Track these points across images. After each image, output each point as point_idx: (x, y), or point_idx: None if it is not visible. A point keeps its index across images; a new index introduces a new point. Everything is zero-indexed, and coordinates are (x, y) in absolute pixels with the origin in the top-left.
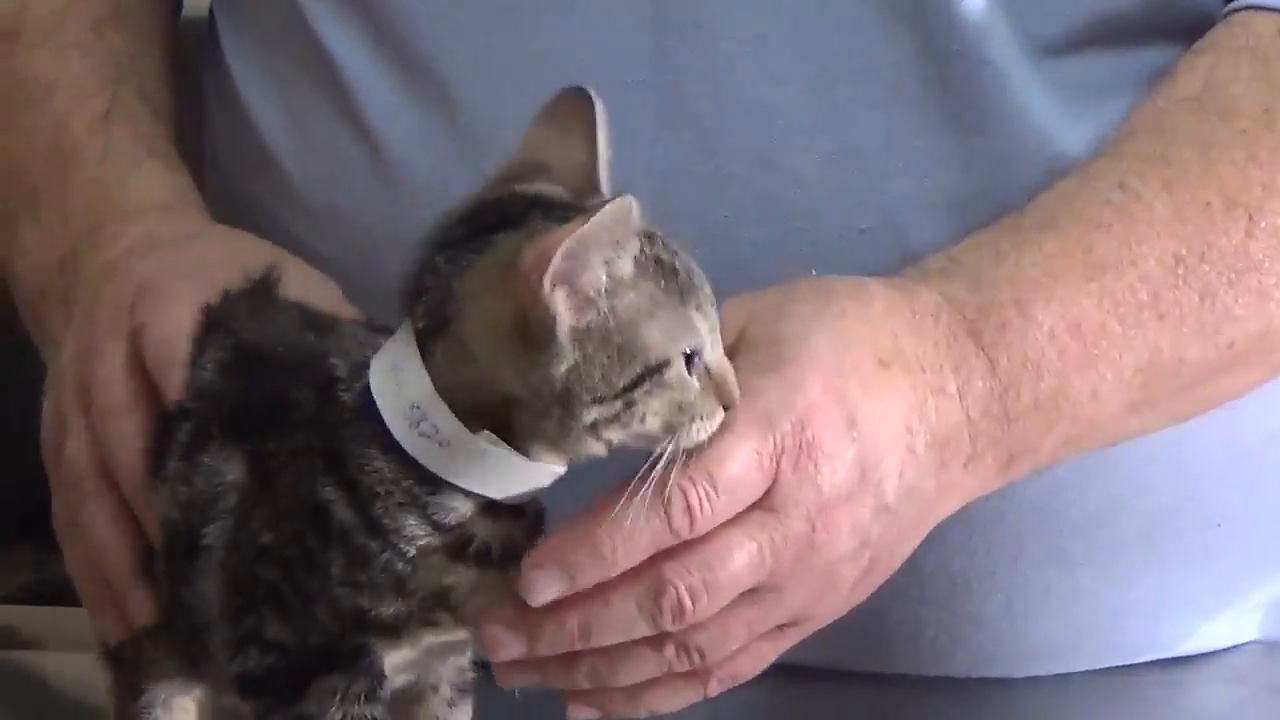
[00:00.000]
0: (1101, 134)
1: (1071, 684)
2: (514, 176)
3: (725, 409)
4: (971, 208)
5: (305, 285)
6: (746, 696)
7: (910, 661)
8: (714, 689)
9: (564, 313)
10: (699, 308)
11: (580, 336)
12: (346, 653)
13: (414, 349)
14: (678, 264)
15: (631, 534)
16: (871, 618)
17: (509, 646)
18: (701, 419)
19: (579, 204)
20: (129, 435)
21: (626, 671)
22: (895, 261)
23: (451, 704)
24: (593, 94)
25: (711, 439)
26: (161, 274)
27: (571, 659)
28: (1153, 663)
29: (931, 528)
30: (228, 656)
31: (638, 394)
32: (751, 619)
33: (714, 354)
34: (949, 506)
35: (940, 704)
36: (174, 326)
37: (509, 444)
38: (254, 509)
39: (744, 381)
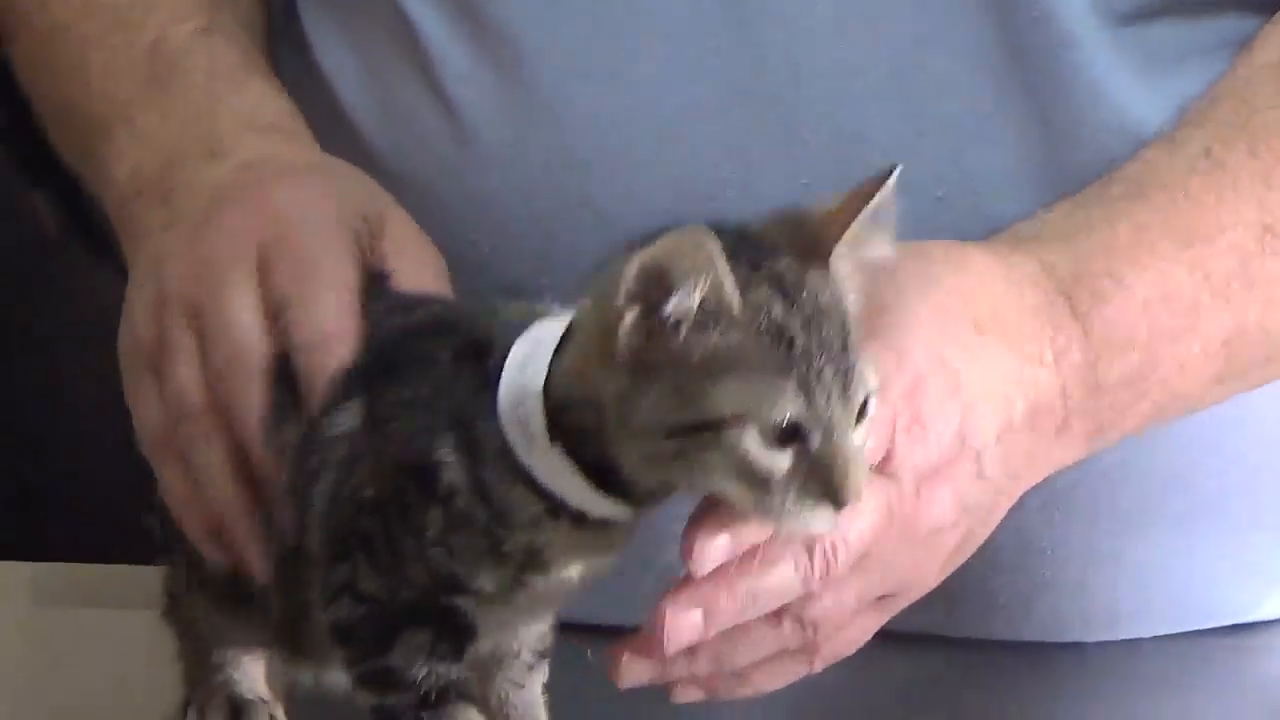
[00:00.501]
0: (1175, 104)
1: (1141, 649)
2: (773, 215)
3: (831, 504)
4: (1047, 176)
5: (411, 243)
6: None
7: (981, 626)
8: (819, 665)
9: (624, 333)
10: (805, 384)
11: (639, 362)
12: (436, 611)
13: (555, 338)
14: (797, 332)
15: (768, 578)
16: (943, 584)
17: (689, 628)
18: (791, 505)
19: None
20: (256, 391)
21: (746, 653)
22: (972, 230)
23: (530, 668)
24: (894, 175)
25: None
26: (296, 206)
27: (694, 648)
28: (1223, 629)
29: (1019, 495)
30: (322, 605)
31: (690, 444)
32: (860, 590)
33: (830, 442)
34: (1037, 476)
35: (1010, 668)
36: (312, 273)
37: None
38: (361, 459)
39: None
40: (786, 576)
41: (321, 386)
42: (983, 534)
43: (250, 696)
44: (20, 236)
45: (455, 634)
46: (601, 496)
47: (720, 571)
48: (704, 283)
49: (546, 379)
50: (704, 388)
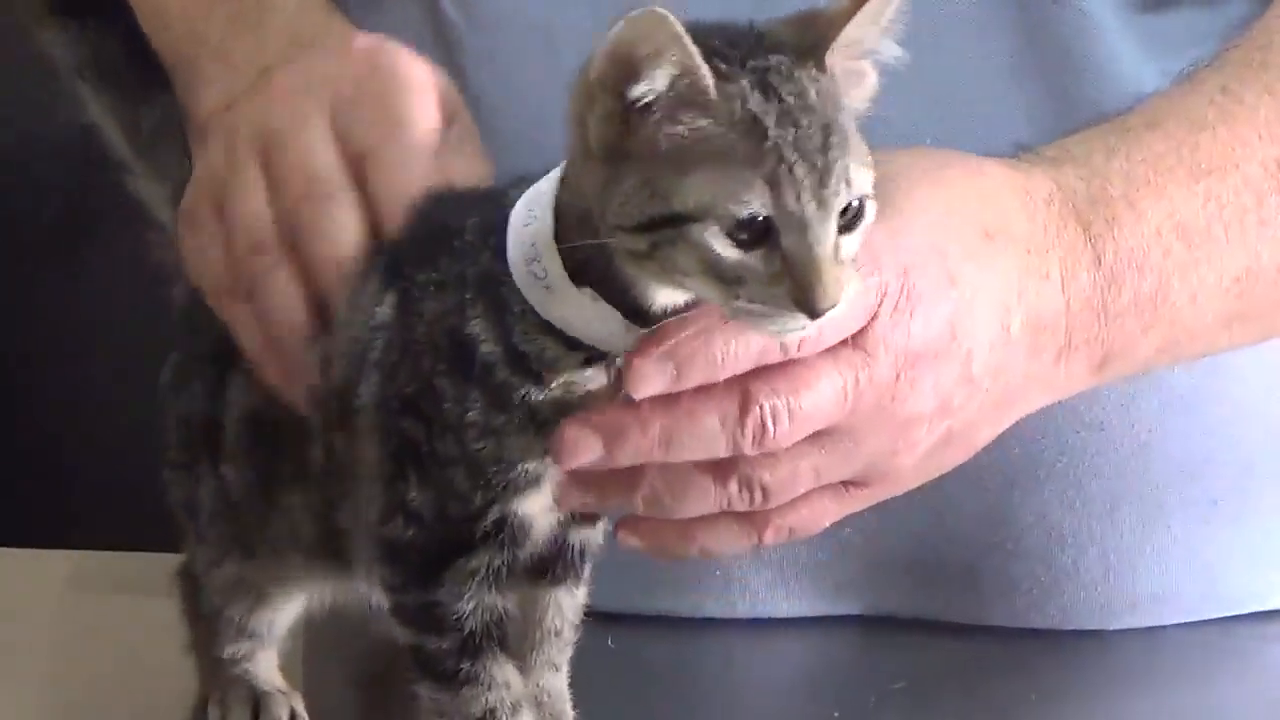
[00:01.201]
0: None
1: (1164, 636)
2: (788, 21)
3: (801, 310)
4: None
5: (471, 142)
6: (839, 645)
7: (1003, 613)
8: (769, 538)
9: (598, 119)
10: (775, 179)
11: (613, 151)
12: (486, 529)
13: (554, 186)
14: (771, 125)
15: (745, 341)
16: (965, 570)
17: (586, 448)
18: (754, 302)
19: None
20: (334, 214)
21: (687, 501)
22: None
23: (556, 666)
24: None
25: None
26: (384, 54)
27: (634, 477)
28: (1245, 616)
29: (1013, 419)
30: (377, 521)
31: (660, 239)
32: (820, 465)
33: (801, 242)
34: (1035, 399)
35: (1032, 655)
36: (398, 128)
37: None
38: (399, 355)
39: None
40: (712, 429)
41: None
42: (966, 445)
43: (268, 688)
44: (55, 222)
45: (508, 549)
46: (627, 324)
47: (698, 330)
48: (672, 64)
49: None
50: (671, 179)
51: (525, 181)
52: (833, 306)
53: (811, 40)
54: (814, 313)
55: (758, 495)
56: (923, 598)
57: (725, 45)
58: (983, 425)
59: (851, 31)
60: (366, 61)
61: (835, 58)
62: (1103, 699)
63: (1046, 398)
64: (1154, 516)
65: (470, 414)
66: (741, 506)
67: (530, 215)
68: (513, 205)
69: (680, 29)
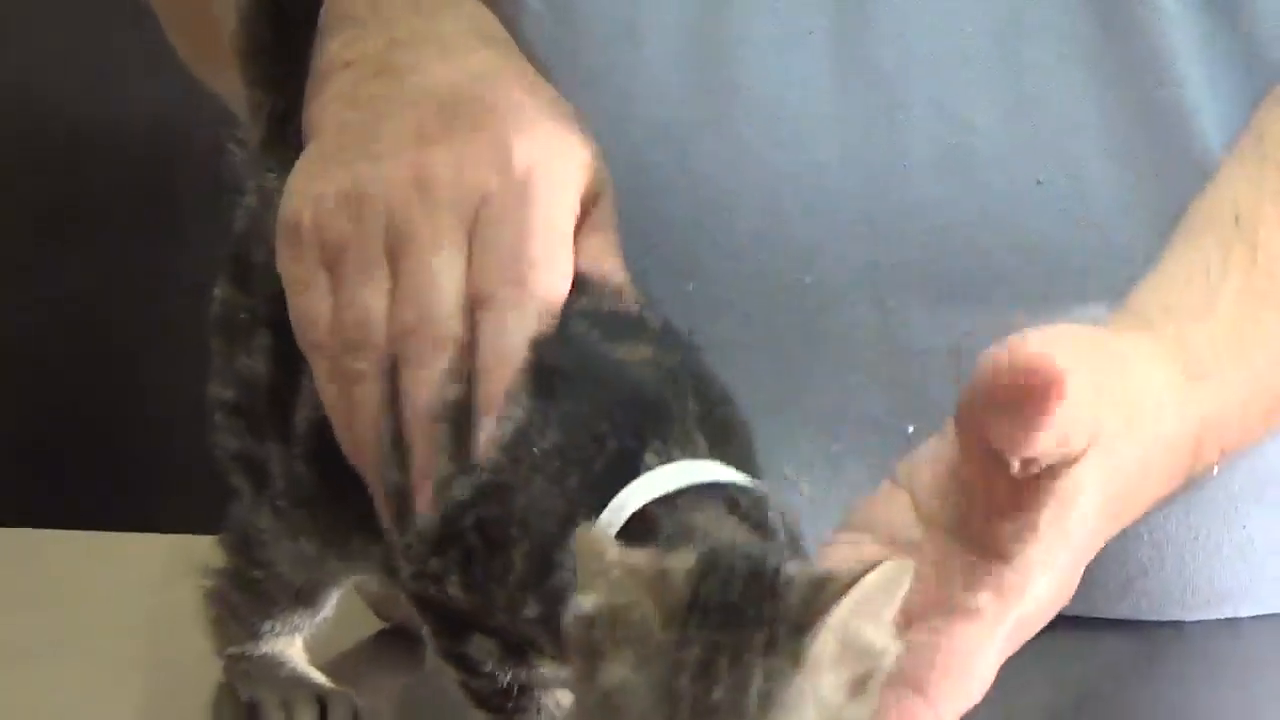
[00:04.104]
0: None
1: (1241, 628)
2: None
3: None
4: (1148, 160)
5: (606, 228)
6: None
7: (1080, 604)
8: None
9: (569, 619)
10: None
11: (576, 649)
12: (510, 644)
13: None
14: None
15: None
16: None
17: None
18: None
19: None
20: (430, 383)
21: None
22: (1070, 212)
23: None
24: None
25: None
26: (520, 160)
27: None
28: None
29: None
30: (407, 570)
31: None
32: None
33: None
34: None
35: (1109, 644)
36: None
37: None
38: (498, 492)
39: (1022, 558)
40: None
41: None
42: None
43: (328, 686)
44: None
45: (522, 657)
46: None
47: None
48: (601, 592)
49: None
50: None
51: (661, 433)
52: None
53: (808, 616)
54: None
55: None
56: None
57: (720, 602)
58: None
59: (841, 614)
60: (523, 182)
61: (820, 646)
62: (1180, 688)
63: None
64: (1233, 513)
65: (526, 610)
66: None
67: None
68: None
69: (616, 559)
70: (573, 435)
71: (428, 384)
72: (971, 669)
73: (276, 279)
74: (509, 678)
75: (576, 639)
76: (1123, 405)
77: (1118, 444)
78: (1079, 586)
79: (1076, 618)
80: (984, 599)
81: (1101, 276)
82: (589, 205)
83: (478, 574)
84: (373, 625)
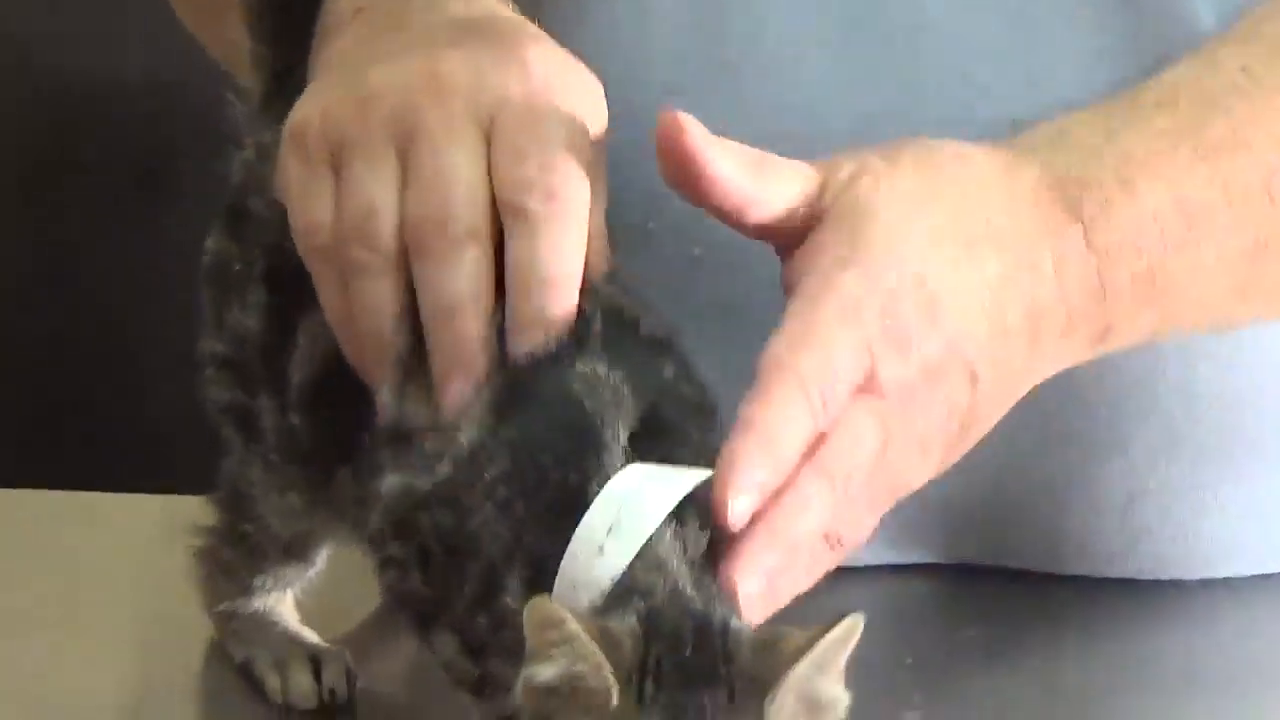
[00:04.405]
0: None
1: (1242, 587)
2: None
3: None
4: None
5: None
6: (913, 592)
7: (1083, 564)
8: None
9: (521, 687)
10: None
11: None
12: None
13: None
14: None
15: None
16: (1045, 525)
17: None
18: None
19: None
20: (455, 280)
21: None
22: None
23: None
24: (847, 622)
25: (805, 337)
26: (537, 68)
27: None
28: None
29: (1025, 392)
30: (374, 558)
31: None
32: (870, 501)
33: None
34: (1044, 373)
35: (1112, 603)
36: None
37: None
38: (454, 497)
39: (826, 268)
40: (820, 511)
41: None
42: (981, 430)
43: (323, 645)
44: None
45: (480, 657)
46: None
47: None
48: (563, 663)
49: None
50: None
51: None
52: None
53: (765, 675)
54: None
55: (834, 547)
56: (998, 547)
57: (673, 663)
58: (994, 410)
59: (797, 676)
60: (542, 94)
61: (778, 705)
62: (1180, 647)
63: (1054, 370)
64: (1239, 471)
65: (477, 620)
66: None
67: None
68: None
69: (574, 631)
70: (519, 464)
71: (447, 279)
72: (803, 341)
73: (271, 231)
74: (479, 670)
75: (532, 708)
76: (907, 150)
77: (898, 172)
78: (1077, 548)
79: (1078, 577)
80: (785, 312)
81: None
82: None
83: (436, 574)
84: (372, 588)
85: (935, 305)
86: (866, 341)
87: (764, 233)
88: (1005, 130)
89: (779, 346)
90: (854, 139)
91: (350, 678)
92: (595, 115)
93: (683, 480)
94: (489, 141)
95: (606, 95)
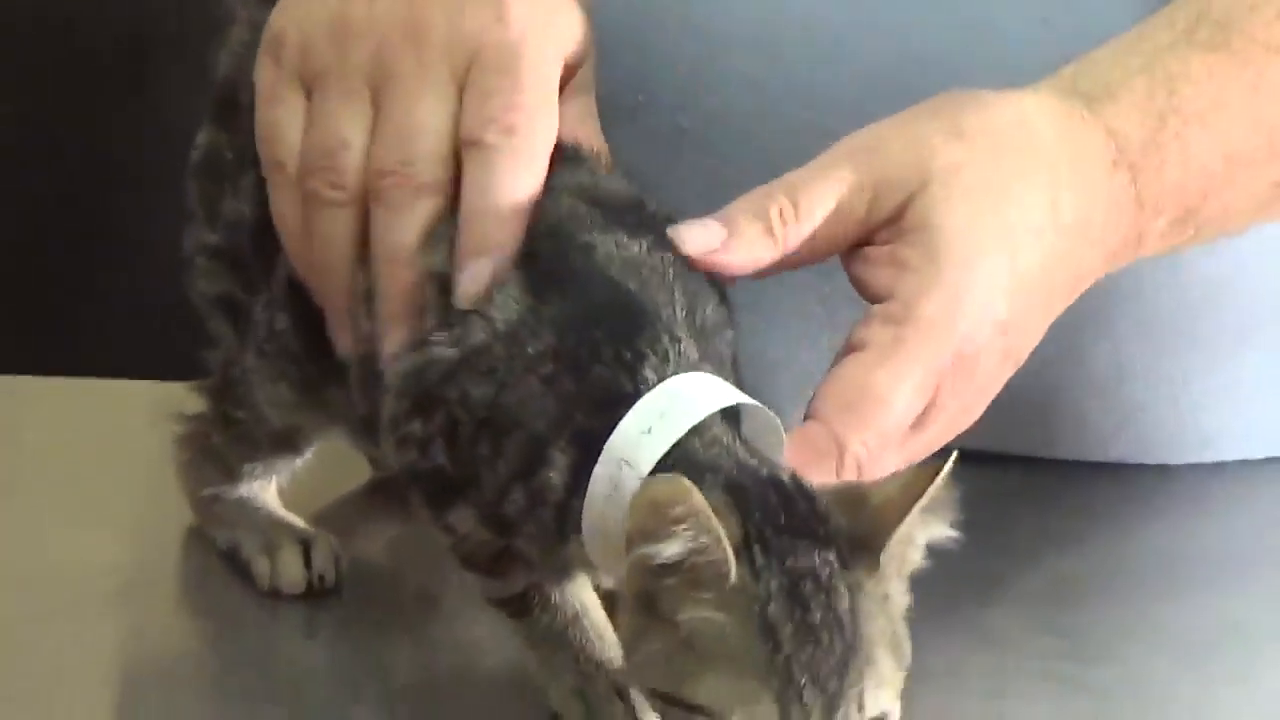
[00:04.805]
0: None
1: (1227, 471)
2: (841, 497)
3: None
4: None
5: (585, 96)
6: None
7: (1072, 447)
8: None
9: (630, 570)
10: (784, 700)
11: (645, 605)
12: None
13: (648, 466)
14: (787, 639)
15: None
16: (1036, 406)
17: None
18: None
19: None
20: (409, 227)
21: None
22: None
23: None
24: (948, 466)
25: (874, 369)
26: (515, 19)
27: None
28: None
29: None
30: (390, 438)
31: (675, 714)
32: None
33: None
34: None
35: (1099, 487)
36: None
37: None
38: (489, 373)
39: (908, 295)
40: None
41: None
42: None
43: (311, 529)
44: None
45: (503, 531)
46: None
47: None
48: (687, 538)
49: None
50: (690, 668)
51: (656, 342)
52: None
53: (863, 530)
54: None
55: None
56: (988, 430)
57: (774, 529)
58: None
59: (906, 530)
60: (518, 41)
61: (890, 554)
62: (1166, 530)
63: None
64: (1225, 352)
65: (512, 497)
66: None
67: (619, 486)
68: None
69: (701, 504)
70: (565, 340)
71: (402, 230)
72: (869, 393)
73: None
74: (492, 548)
75: (639, 588)
76: (969, 135)
77: (965, 170)
78: (1068, 429)
79: (1064, 461)
80: (869, 331)
81: None
82: (574, 69)
83: (465, 448)
84: (359, 475)
85: (1002, 330)
86: (939, 373)
87: (819, 257)
88: (998, 4)
89: (871, 375)
90: (842, 16)
91: (338, 562)
92: (578, 54)
93: (735, 395)
94: (462, 89)
95: None
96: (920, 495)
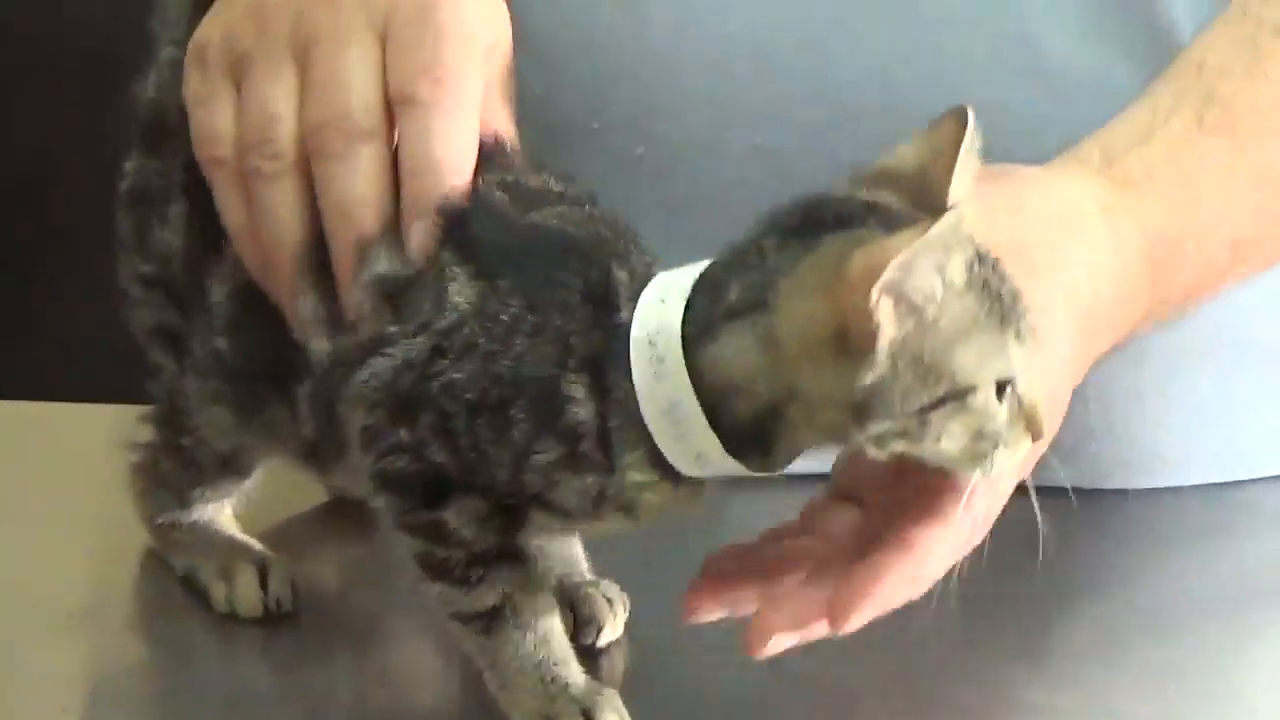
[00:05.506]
0: None
1: (1184, 496)
2: (866, 180)
3: (1036, 438)
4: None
5: (501, 93)
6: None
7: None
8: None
9: (887, 325)
10: (1019, 335)
11: (896, 350)
12: (498, 498)
13: (681, 297)
14: (1004, 289)
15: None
16: None
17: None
18: (1004, 447)
19: (914, 217)
20: (354, 177)
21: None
22: (1029, 79)
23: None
24: (970, 115)
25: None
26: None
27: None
28: (1266, 478)
29: None
30: (369, 456)
31: (935, 415)
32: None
33: (1024, 380)
34: None
35: (1051, 511)
36: (452, 82)
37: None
38: (466, 352)
39: None
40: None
41: (419, 221)
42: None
43: (268, 553)
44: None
45: (512, 519)
46: (734, 461)
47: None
48: (950, 264)
49: (692, 360)
50: (949, 357)
51: (613, 248)
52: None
53: (915, 197)
54: (1039, 437)
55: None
56: None
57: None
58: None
59: (960, 182)
60: None
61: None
62: (1121, 556)
63: None
64: (1179, 376)
65: (538, 457)
66: None
67: (657, 359)
68: (610, 282)
69: (964, 228)
70: (536, 292)
71: (344, 177)
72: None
73: (189, 143)
74: (483, 544)
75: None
76: (1031, 236)
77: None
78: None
79: (1019, 484)
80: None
81: (1062, 148)
82: (494, 50)
83: (465, 436)
84: (313, 498)
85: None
86: None
87: None
88: (948, 28)
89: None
90: (791, 39)
91: (295, 586)
92: (494, 15)
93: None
94: (384, 44)
95: None
96: (957, 146)
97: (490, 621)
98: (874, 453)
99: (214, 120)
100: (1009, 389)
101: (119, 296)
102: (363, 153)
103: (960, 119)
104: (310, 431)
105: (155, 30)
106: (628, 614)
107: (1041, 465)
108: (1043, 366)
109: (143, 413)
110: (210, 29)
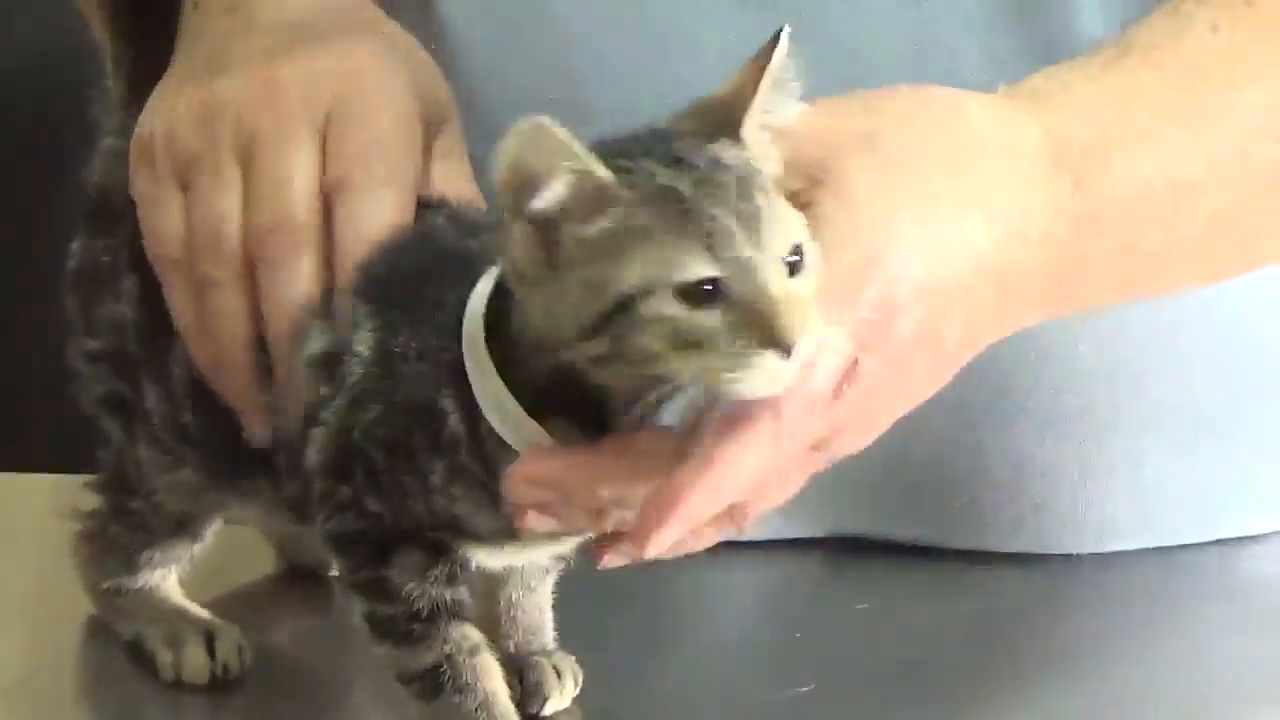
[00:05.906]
0: None
1: (1132, 561)
2: (685, 115)
3: (774, 347)
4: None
5: (456, 151)
6: (802, 567)
7: (972, 538)
8: (746, 526)
9: (519, 245)
10: (709, 238)
11: (543, 271)
12: (433, 542)
13: (480, 312)
14: (687, 190)
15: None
16: (934, 498)
17: (541, 520)
18: (732, 358)
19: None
20: (294, 281)
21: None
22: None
23: (546, 572)
24: (784, 37)
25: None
26: (381, 73)
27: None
28: (1215, 541)
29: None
30: (321, 517)
31: (617, 331)
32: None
33: (751, 285)
34: (995, 338)
35: (1001, 577)
36: (381, 158)
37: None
38: (372, 396)
39: (826, 248)
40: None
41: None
42: (930, 393)
43: (216, 621)
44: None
45: (451, 564)
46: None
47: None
48: (566, 169)
49: (501, 326)
50: (608, 269)
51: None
52: (805, 338)
53: (716, 120)
54: (786, 346)
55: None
56: (888, 520)
57: (624, 147)
58: (946, 374)
59: (760, 102)
60: (373, 91)
61: (749, 130)
62: (1071, 621)
63: (1005, 335)
64: (1127, 450)
65: (433, 478)
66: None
67: (475, 312)
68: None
69: (565, 134)
70: (420, 318)
71: (286, 283)
72: None
73: (136, 221)
74: (425, 600)
75: (529, 255)
76: (898, 108)
77: (888, 137)
78: (970, 520)
79: (968, 551)
80: None
81: None
82: (434, 130)
83: (389, 483)
84: (264, 564)
85: (923, 294)
86: (857, 326)
87: None
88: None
89: None
90: None
91: (242, 652)
92: (436, 105)
93: None
94: (325, 139)
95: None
96: (764, 69)
97: (430, 683)
98: (604, 377)
99: (164, 222)
100: (721, 293)
101: (61, 370)
102: (304, 259)
103: (774, 41)
104: (294, 490)
105: (98, 118)
106: (579, 687)
107: (987, 534)
108: (865, 254)
109: (89, 480)
110: (153, 122)
